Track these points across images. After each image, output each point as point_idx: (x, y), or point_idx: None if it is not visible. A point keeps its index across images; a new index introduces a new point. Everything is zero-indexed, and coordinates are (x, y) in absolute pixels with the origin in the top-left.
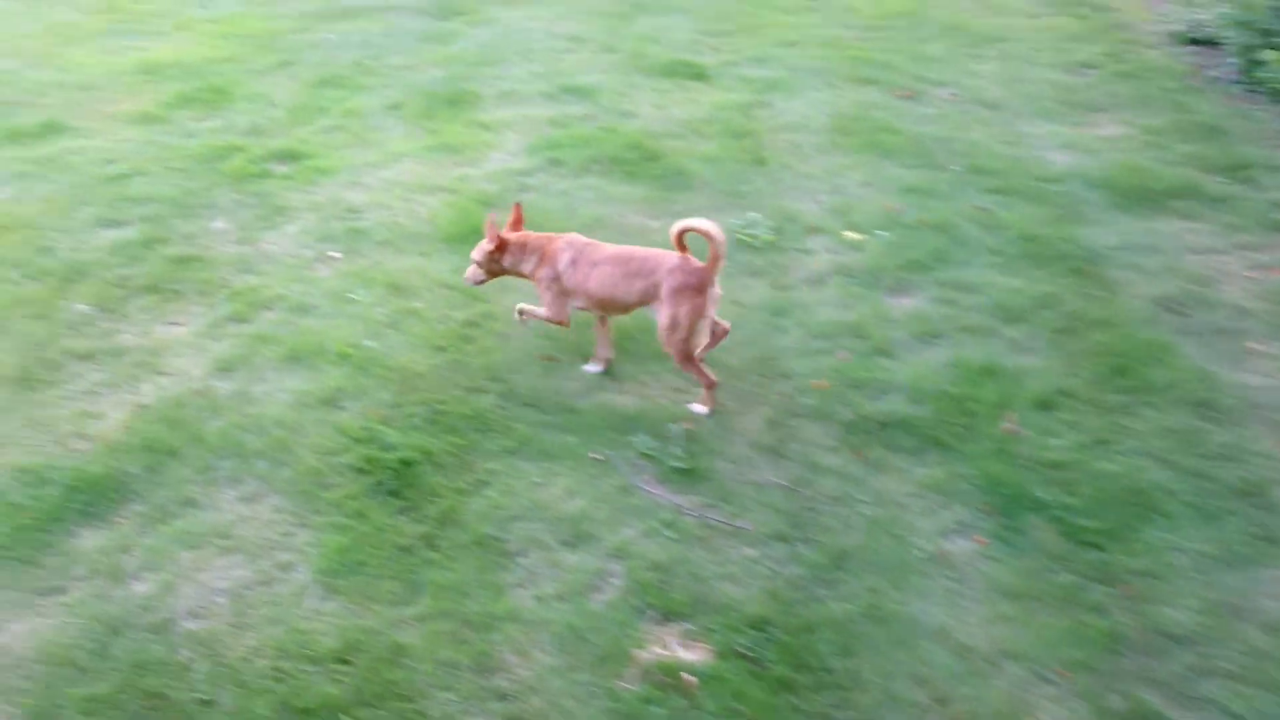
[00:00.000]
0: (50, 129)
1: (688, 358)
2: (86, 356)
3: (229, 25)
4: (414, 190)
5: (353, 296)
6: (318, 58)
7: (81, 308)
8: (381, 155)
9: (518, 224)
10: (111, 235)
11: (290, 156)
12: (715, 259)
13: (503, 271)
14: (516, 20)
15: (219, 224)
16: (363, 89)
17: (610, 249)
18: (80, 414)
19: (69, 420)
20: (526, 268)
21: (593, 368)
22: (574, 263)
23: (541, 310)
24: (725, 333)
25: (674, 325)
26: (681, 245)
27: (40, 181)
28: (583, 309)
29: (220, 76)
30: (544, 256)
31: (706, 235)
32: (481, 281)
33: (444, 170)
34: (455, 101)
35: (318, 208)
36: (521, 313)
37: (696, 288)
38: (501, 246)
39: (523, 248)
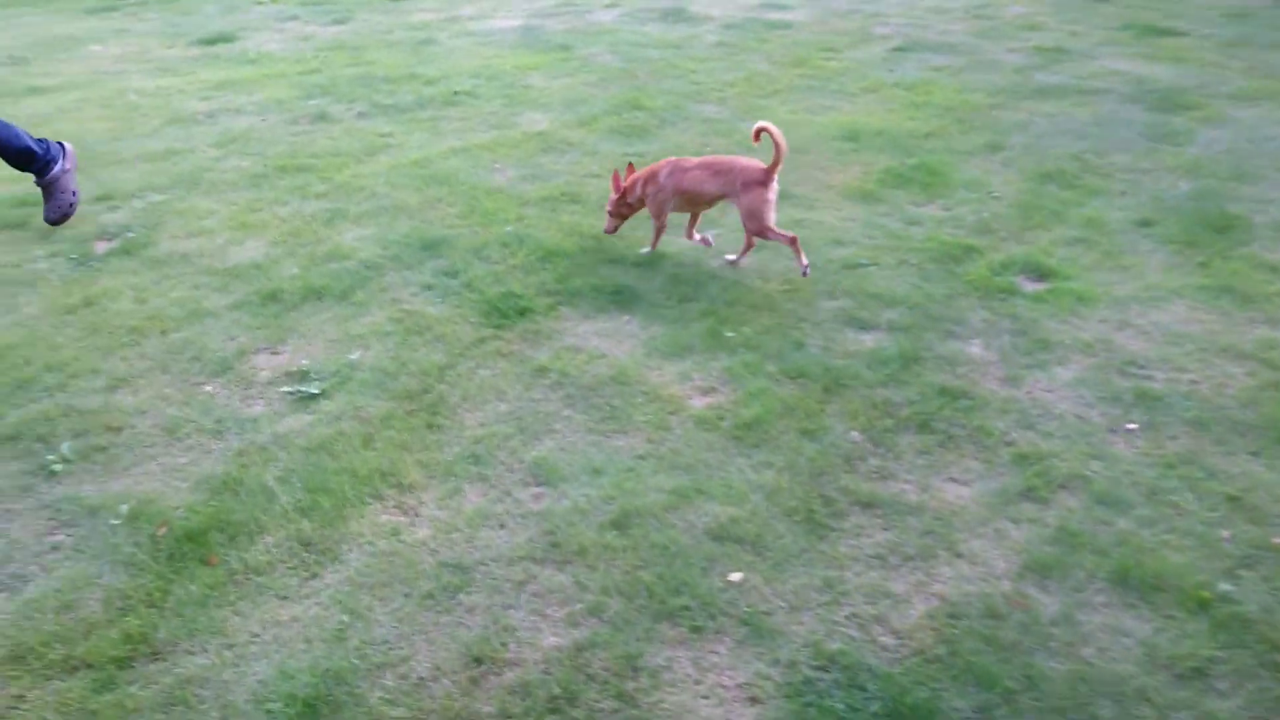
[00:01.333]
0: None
1: (762, 233)
2: (868, 504)
3: (919, 93)
4: (1207, 349)
5: (1174, 499)
6: (1027, 142)
7: (854, 436)
8: (1143, 288)
9: (618, 180)
10: (863, 341)
11: (1036, 271)
12: (777, 161)
13: (633, 210)
14: (1256, 120)
15: (976, 348)
16: (1095, 192)
17: (697, 159)
18: (875, 588)
19: (864, 593)
20: (639, 192)
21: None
22: (670, 173)
23: (656, 232)
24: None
25: (750, 211)
26: (757, 139)
27: (782, 256)
28: (677, 210)
29: (928, 154)
30: (650, 179)
31: (773, 137)
32: (617, 227)
33: (1237, 328)
34: (1222, 228)
35: (1088, 349)
36: (651, 246)
37: (761, 182)
38: (627, 192)
39: (633, 185)
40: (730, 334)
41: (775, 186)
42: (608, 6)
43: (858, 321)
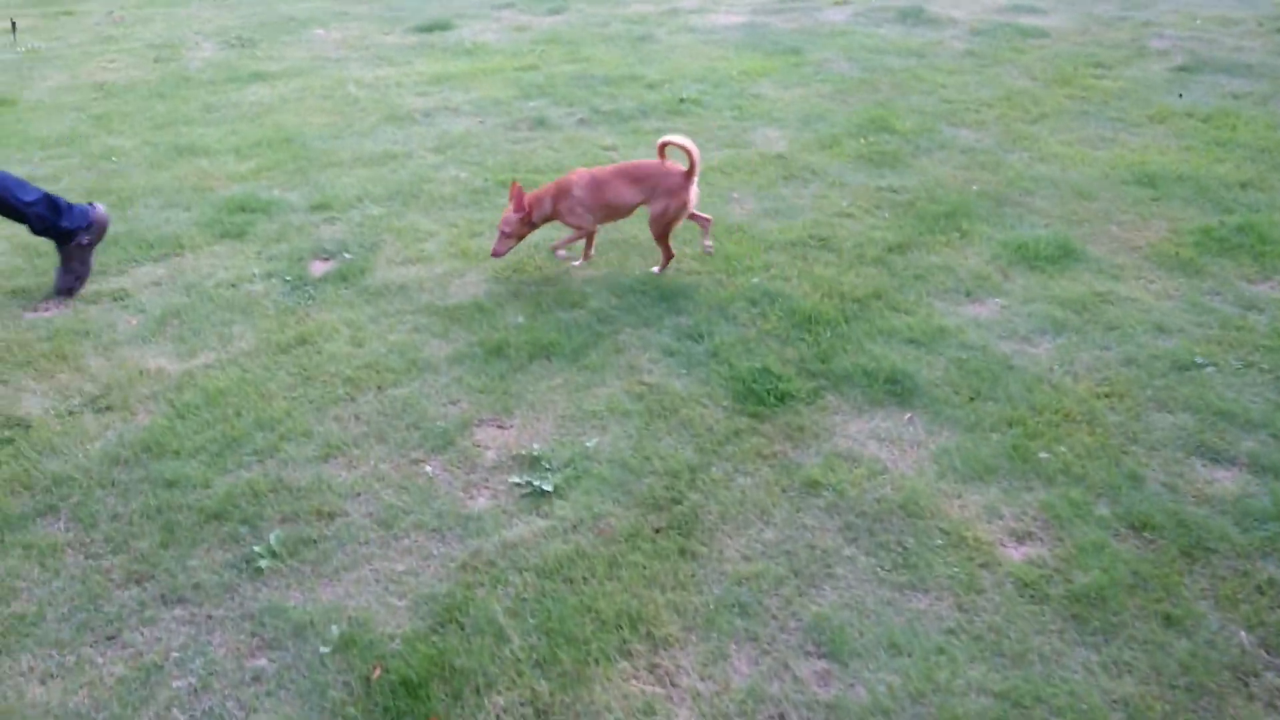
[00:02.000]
0: (1066, 253)
1: (663, 238)
2: None
3: (1220, 127)
4: None
5: None
6: None
7: (1241, 636)
8: None
9: (521, 196)
10: (1220, 481)
11: None
12: (693, 166)
13: (532, 229)
14: None
15: None
16: None
17: (611, 168)
18: None
19: None
20: (548, 209)
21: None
22: (588, 187)
23: (569, 235)
24: (709, 221)
25: (664, 213)
26: (662, 155)
27: (1091, 344)
28: (598, 221)
29: (1250, 211)
30: (559, 193)
31: (683, 148)
32: (509, 249)
33: None
34: None
35: None
36: (555, 249)
37: (681, 188)
38: (529, 212)
39: (539, 200)
40: (1043, 454)
41: (695, 192)
42: (837, 4)
43: (1207, 450)
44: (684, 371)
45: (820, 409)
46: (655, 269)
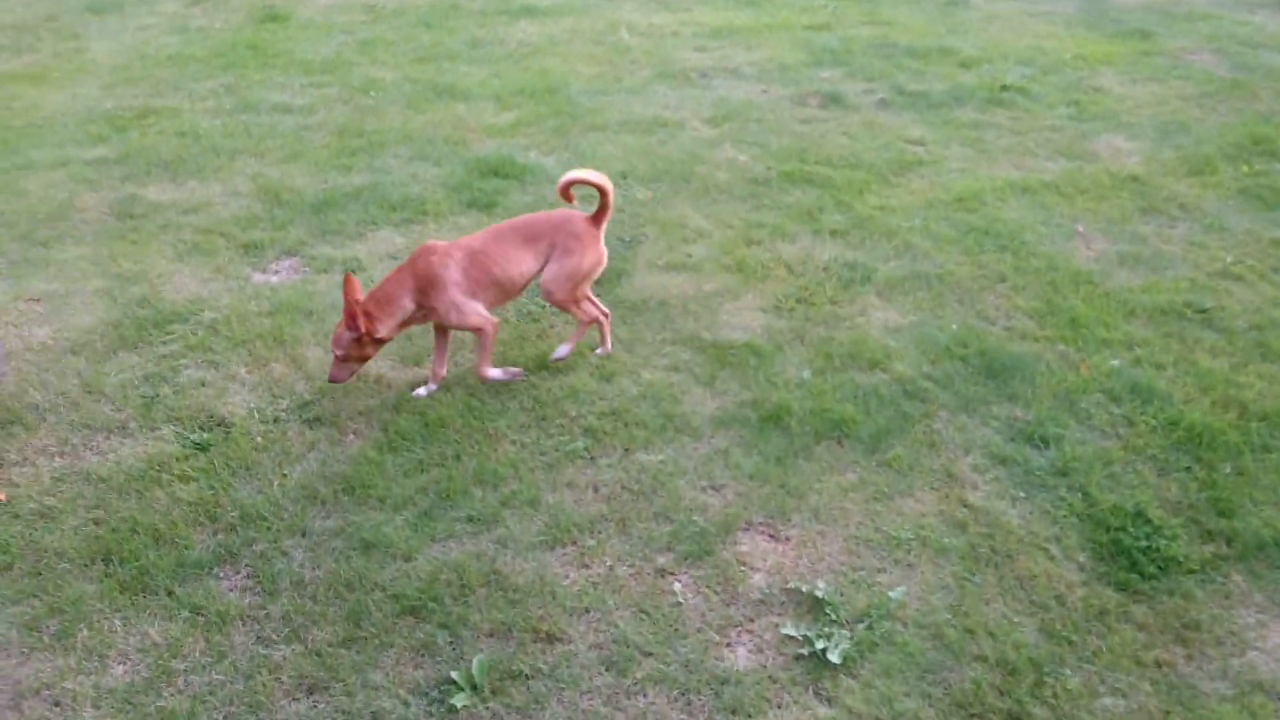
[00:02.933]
0: None
1: (567, 304)
2: None
3: None
4: None
5: None
6: None
7: None
8: None
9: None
10: None
11: None
12: (604, 209)
13: (380, 345)
14: None
15: None
16: None
17: (487, 231)
18: None
19: None
20: (409, 310)
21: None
22: (463, 263)
23: (481, 346)
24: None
25: (569, 275)
26: (567, 197)
27: None
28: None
29: None
30: (423, 285)
31: (595, 186)
32: (353, 373)
33: None
34: None
35: None
36: (483, 379)
37: (587, 237)
38: (369, 324)
39: (384, 303)
40: None
41: (601, 247)
42: None
43: None
44: (1021, 494)
45: (1222, 594)
46: (561, 350)
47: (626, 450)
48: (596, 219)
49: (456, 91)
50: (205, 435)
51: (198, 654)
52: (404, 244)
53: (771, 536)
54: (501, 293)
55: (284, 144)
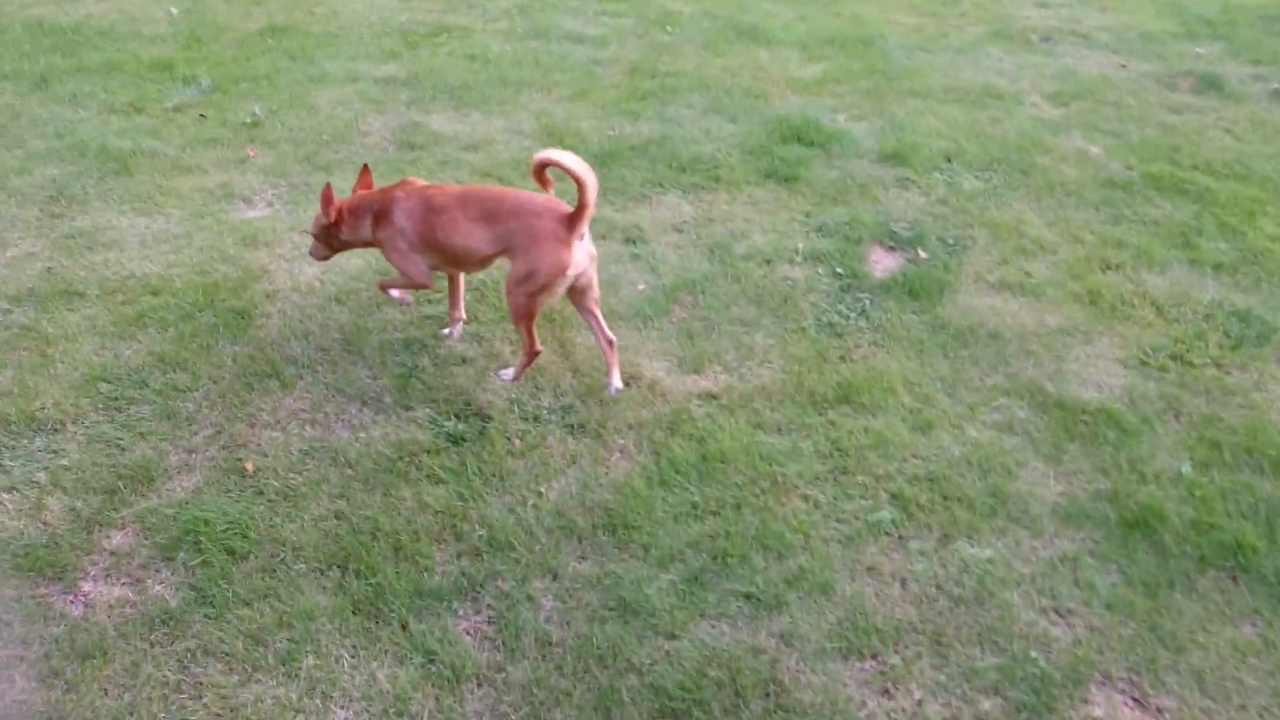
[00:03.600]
0: None
1: (521, 320)
2: None
3: None
4: None
5: None
6: None
7: None
8: None
9: (331, 200)
10: None
11: None
12: (582, 207)
13: (345, 245)
14: None
15: None
16: None
17: (457, 189)
18: None
19: None
20: (365, 233)
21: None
22: (412, 212)
23: (400, 280)
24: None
25: (526, 278)
26: (542, 182)
27: None
28: (434, 267)
29: None
30: (379, 214)
31: (571, 174)
32: (325, 256)
33: None
34: None
35: None
36: (383, 287)
37: (557, 235)
38: (338, 219)
39: (356, 212)
40: None
41: (585, 251)
42: None
43: None
44: None
45: None
46: (505, 373)
47: (945, 536)
48: (572, 220)
49: (759, 34)
50: (460, 426)
51: (425, 716)
52: (692, 214)
53: (1137, 702)
54: (446, 261)
55: (572, 79)
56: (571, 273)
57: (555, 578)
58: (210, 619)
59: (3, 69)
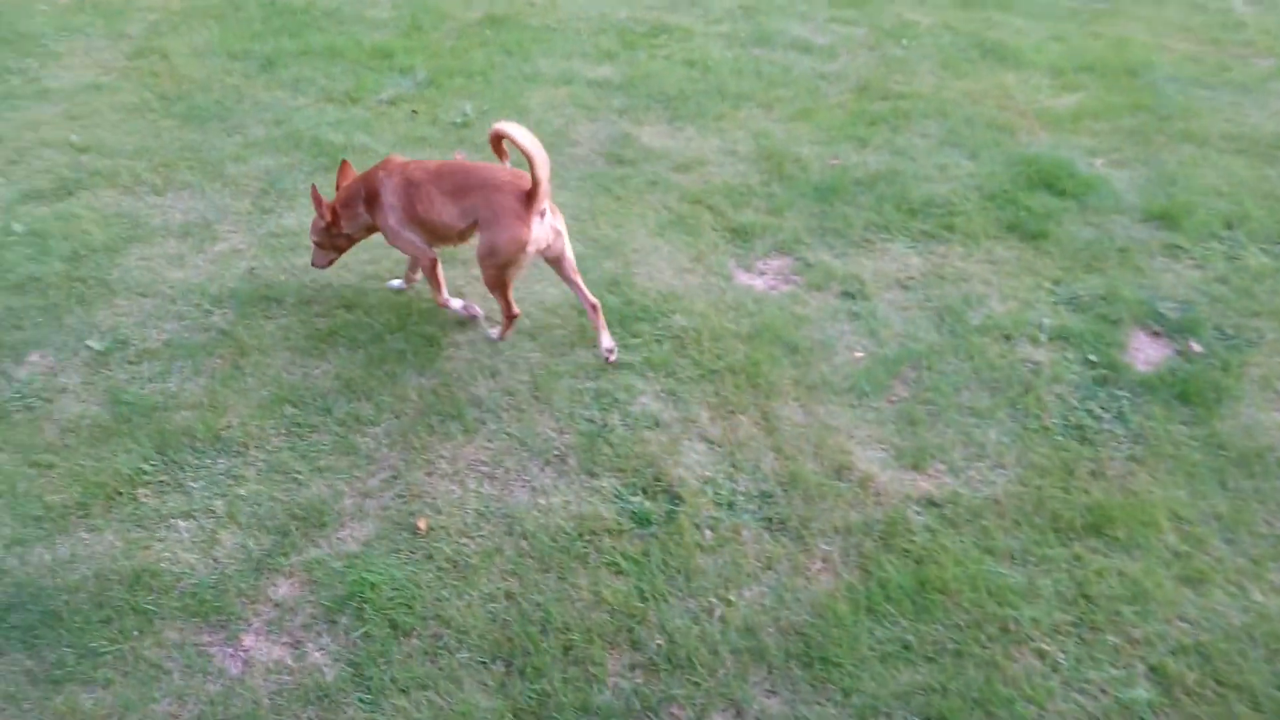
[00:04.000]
0: None
1: (497, 288)
2: None
3: None
4: None
5: None
6: None
7: None
8: None
9: (320, 199)
10: None
11: None
12: (536, 184)
13: (349, 241)
14: None
15: None
16: None
17: (434, 164)
18: None
19: None
20: (364, 220)
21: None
22: (398, 189)
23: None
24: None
25: (490, 252)
26: (499, 151)
27: None
28: (428, 242)
29: None
30: (370, 197)
31: (523, 150)
32: (331, 261)
33: None
34: None
35: None
36: (441, 305)
37: (514, 211)
38: (335, 219)
39: (348, 204)
40: None
41: (547, 219)
42: None
43: None
44: None
45: None
46: (492, 331)
47: None
48: (530, 195)
49: (1005, 54)
50: (647, 505)
51: None
52: (920, 268)
53: None
54: (429, 234)
55: (795, 94)
56: (532, 249)
57: (738, 713)
58: (364, 704)
59: (234, 48)
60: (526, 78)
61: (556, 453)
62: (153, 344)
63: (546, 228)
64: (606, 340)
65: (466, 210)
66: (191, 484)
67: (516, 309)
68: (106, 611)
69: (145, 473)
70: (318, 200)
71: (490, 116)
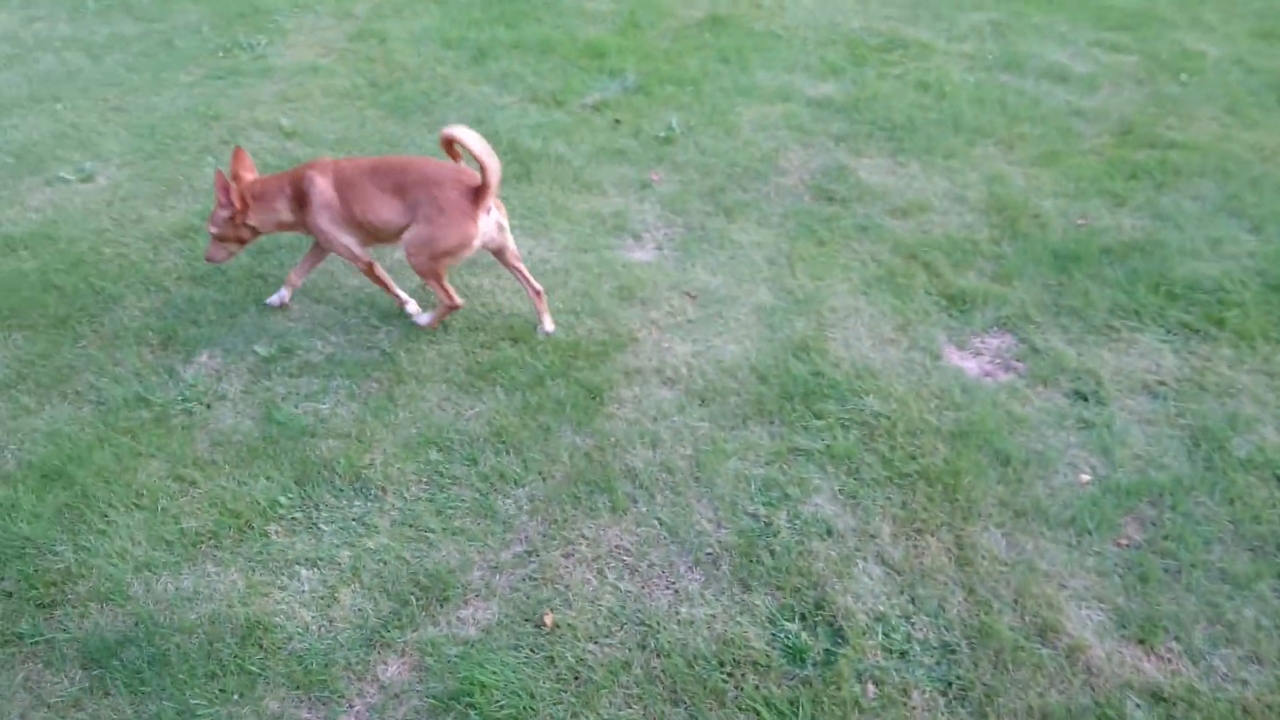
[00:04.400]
0: None
1: (430, 276)
2: None
3: None
4: None
5: None
6: None
7: None
8: None
9: (246, 172)
10: None
11: None
12: (485, 187)
13: (253, 234)
14: None
15: None
16: None
17: (366, 161)
18: None
19: None
20: (280, 217)
21: (275, 299)
22: (329, 190)
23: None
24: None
25: (428, 245)
26: (452, 154)
27: None
28: (364, 243)
29: None
30: (298, 196)
31: (474, 155)
32: (229, 255)
33: None
34: None
35: None
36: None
37: (459, 205)
38: (244, 207)
39: (264, 196)
40: None
41: (493, 221)
42: None
43: None
44: None
45: None
46: (421, 317)
47: None
48: (478, 194)
49: None
50: (804, 637)
51: None
52: (1175, 371)
53: None
54: (367, 235)
55: (1043, 133)
56: (477, 243)
57: None
58: None
59: (451, 35)
60: (741, 90)
61: (709, 552)
62: (316, 356)
63: (492, 223)
64: (548, 324)
65: (407, 206)
66: (323, 526)
67: (459, 299)
68: (213, 665)
69: (280, 506)
70: (224, 186)
71: (696, 133)
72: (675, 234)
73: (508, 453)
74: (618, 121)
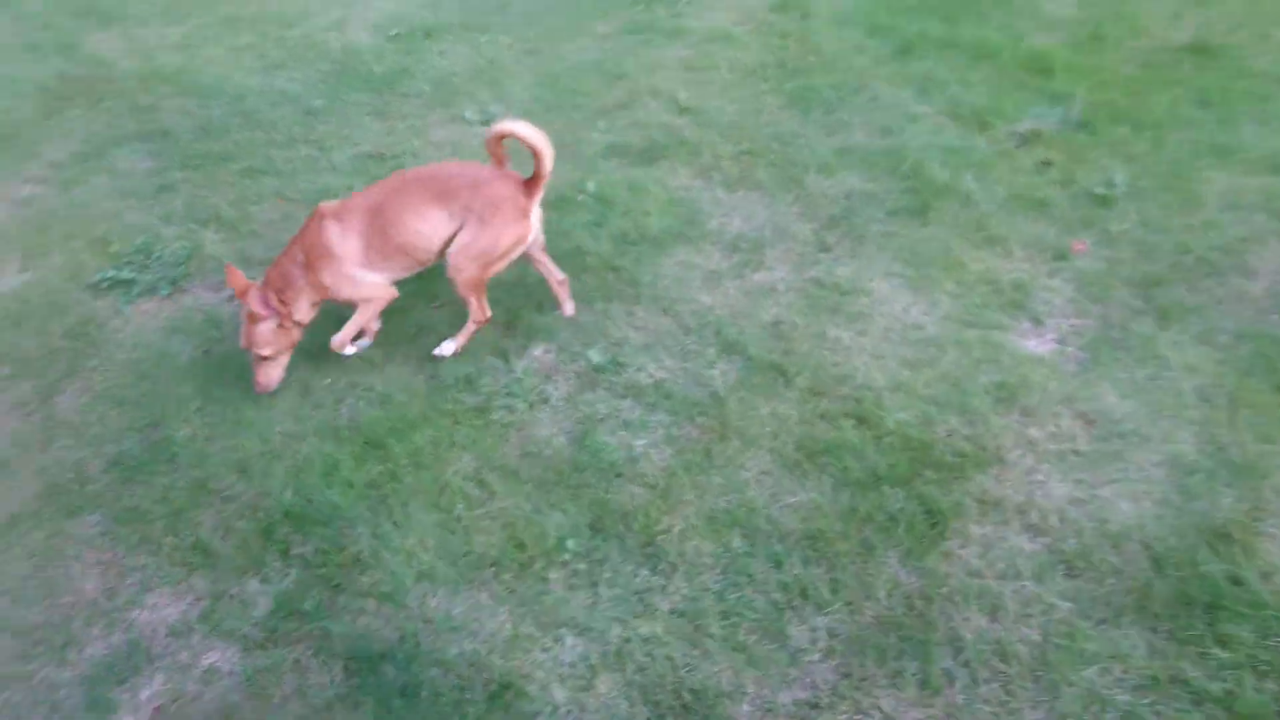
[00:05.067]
0: None
1: (473, 292)
2: None
3: None
4: None
5: None
6: None
7: None
8: None
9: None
10: None
11: None
12: (539, 176)
13: (302, 330)
14: None
15: None
16: None
17: (389, 181)
18: None
19: None
20: (312, 293)
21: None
22: (353, 227)
23: (355, 319)
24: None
25: (483, 247)
26: (497, 156)
27: None
28: (397, 274)
29: None
30: (314, 255)
31: (530, 146)
32: (280, 374)
33: None
34: None
35: None
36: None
37: (512, 202)
38: (287, 309)
39: (284, 279)
40: None
41: (538, 216)
42: None
43: None
44: None
45: None
46: (450, 345)
47: None
48: (529, 186)
49: None
50: None
51: None
52: None
53: None
54: (411, 261)
55: None
56: (530, 239)
57: None
58: None
59: (879, 21)
60: (1215, 150)
61: None
62: (645, 379)
63: (536, 218)
64: (569, 308)
65: (454, 214)
66: (603, 589)
67: (488, 311)
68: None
69: (567, 550)
70: (260, 296)
71: (1143, 197)
72: (1086, 328)
73: (818, 564)
74: (1047, 163)
